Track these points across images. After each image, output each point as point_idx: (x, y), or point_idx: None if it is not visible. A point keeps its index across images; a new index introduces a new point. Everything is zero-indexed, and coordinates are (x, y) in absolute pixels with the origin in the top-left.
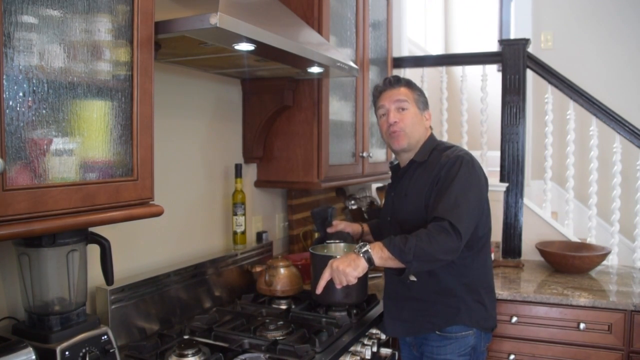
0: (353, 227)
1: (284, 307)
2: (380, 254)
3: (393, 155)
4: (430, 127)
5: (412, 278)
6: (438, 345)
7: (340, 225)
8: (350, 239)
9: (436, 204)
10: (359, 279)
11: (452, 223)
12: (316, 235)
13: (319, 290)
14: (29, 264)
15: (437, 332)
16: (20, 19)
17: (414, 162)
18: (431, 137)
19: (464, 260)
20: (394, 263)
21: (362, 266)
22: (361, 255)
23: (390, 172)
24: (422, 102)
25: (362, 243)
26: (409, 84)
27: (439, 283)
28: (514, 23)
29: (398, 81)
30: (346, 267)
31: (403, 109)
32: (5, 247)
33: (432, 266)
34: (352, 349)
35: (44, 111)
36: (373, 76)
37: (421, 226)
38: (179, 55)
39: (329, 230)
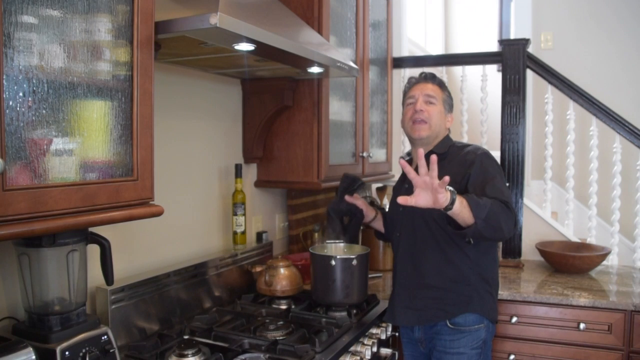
0: (368, 210)
1: (284, 307)
2: (461, 199)
3: (403, 151)
4: (449, 130)
5: (471, 240)
6: (451, 339)
7: (358, 200)
8: (357, 219)
9: (483, 187)
10: (361, 276)
11: (509, 205)
12: (315, 236)
13: (421, 158)
14: (29, 264)
15: (449, 325)
16: (20, 19)
17: (432, 153)
18: (448, 136)
19: (478, 248)
20: (467, 216)
21: (446, 197)
22: (449, 191)
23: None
24: (448, 104)
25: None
26: (441, 84)
27: (455, 271)
28: (514, 23)
29: (433, 77)
30: (442, 187)
31: (431, 103)
32: (5, 247)
33: (492, 234)
34: (352, 349)
35: (44, 111)
36: (373, 76)
37: (442, 215)
38: (179, 55)
39: (347, 198)
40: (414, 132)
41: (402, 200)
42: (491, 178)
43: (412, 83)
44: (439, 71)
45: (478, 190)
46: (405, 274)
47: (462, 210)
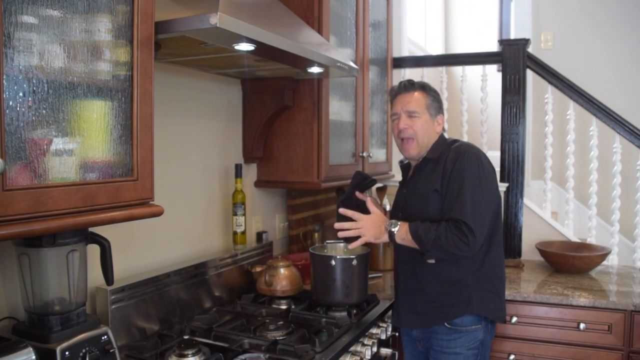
0: (377, 210)
1: (284, 307)
2: (403, 236)
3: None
4: (443, 129)
5: (431, 261)
6: (448, 338)
7: (368, 200)
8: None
9: (452, 204)
10: (361, 276)
11: (467, 224)
12: (315, 236)
13: (337, 225)
14: (29, 264)
15: (447, 325)
16: (20, 19)
17: (426, 159)
18: (441, 137)
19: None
20: (413, 245)
21: (382, 239)
22: (387, 231)
23: (400, 170)
24: (435, 108)
25: (394, 221)
26: (423, 88)
27: (451, 274)
28: (514, 23)
29: (412, 85)
30: (370, 231)
31: (413, 117)
32: (5, 247)
33: (449, 257)
34: (352, 349)
35: (44, 111)
36: (373, 76)
37: (432, 219)
38: (179, 55)
39: (358, 194)
40: (403, 151)
41: (350, 246)
42: (462, 190)
43: (393, 95)
44: (439, 71)
45: (451, 204)
46: (406, 279)
47: (405, 240)
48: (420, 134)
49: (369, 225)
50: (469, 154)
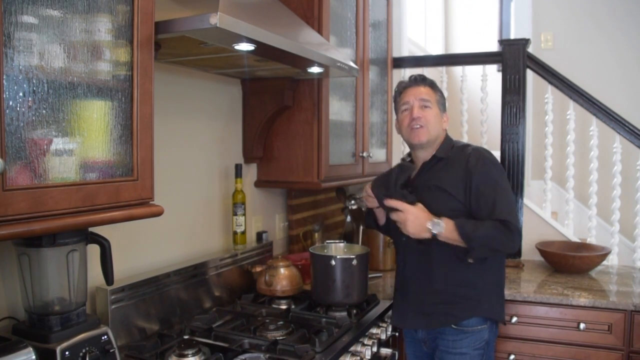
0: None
1: (284, 307)
2: (448, 234)
3: (404, 152)
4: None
5: (471, 260)
6: (454, 339)
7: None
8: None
9: (491, 208)
10: (361, 276)
11: (514, 224)
12: (315, 236)
13: (387, 202)
14: (29, 264)
15: (453, 326)
16: (20, 19)
17: (435, 157)
18: (448, 137)
19: None
20: (457, 243)
21: (423, 236)
22: (430, 229)
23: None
24: (442, 104)
25: (437, 220)
26: (432, 85)
27: (462, 275)
28: (514, 23)
29: (423, 80)
30: (411, 227)
31: (426, 107)
32: (5, 247)
33: (491, 255)
34: (352, 349)
35: (44, 111)
36: (373, 76)
37: (448, 216)
38: (179, 55)
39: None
40: (413, 137)
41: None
42: (498, 190)
43: (402, 87)
44: (439, 71)
45: (489, 207)
46: (414, 280)
47: (449, 239)
48: (432, 125)
49: (412, 219)
50: (492, 161)
